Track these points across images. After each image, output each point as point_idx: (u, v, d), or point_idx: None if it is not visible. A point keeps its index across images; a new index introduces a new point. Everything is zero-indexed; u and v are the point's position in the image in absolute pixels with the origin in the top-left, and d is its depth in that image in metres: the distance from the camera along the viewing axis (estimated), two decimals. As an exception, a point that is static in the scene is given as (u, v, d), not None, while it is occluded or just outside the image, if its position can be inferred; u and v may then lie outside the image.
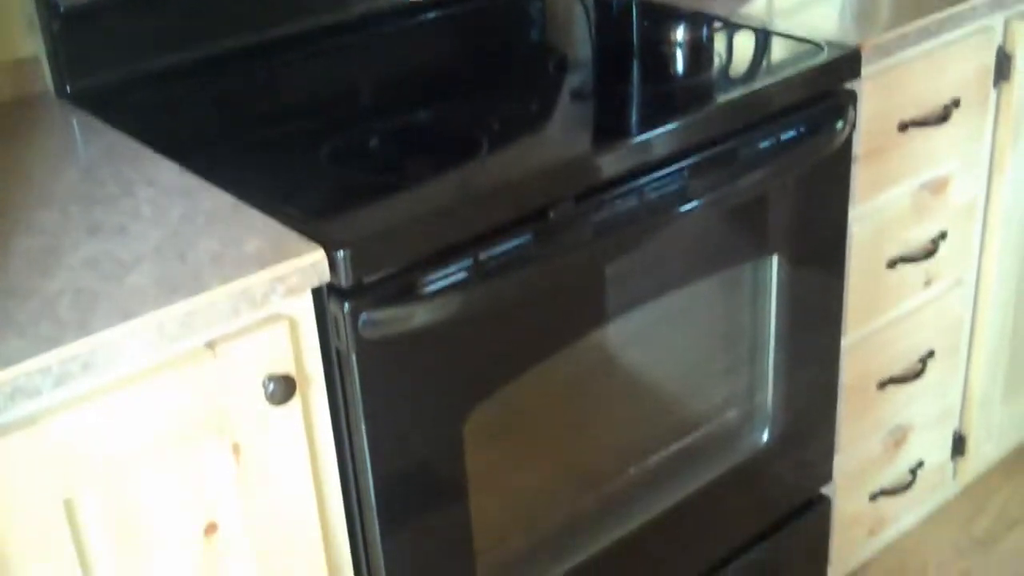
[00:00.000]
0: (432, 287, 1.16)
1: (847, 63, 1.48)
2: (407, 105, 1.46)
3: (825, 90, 1.47)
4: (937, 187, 1.72)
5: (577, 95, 1.47)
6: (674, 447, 1.60)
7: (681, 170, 1.35)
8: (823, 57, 1.47)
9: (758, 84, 1.43)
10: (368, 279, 1.11)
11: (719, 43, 1.59)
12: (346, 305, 1.11)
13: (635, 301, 1.40)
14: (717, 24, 1.63)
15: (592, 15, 1.76)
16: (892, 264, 1.69)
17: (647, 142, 1.32)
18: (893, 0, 1.66)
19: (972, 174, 1.78)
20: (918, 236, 1.72)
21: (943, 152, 1.70)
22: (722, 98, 1.38)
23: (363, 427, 1.16)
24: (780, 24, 1.59)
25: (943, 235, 1.75)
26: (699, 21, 1.63)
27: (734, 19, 1.63)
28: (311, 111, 1.47)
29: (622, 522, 1.53)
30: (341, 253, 1.08)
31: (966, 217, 1.80)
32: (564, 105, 1.45)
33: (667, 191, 1.34)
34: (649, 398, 1.58)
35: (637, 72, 1.55)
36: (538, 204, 1.22)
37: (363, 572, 1.25)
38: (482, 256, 1.18)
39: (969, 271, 1.86)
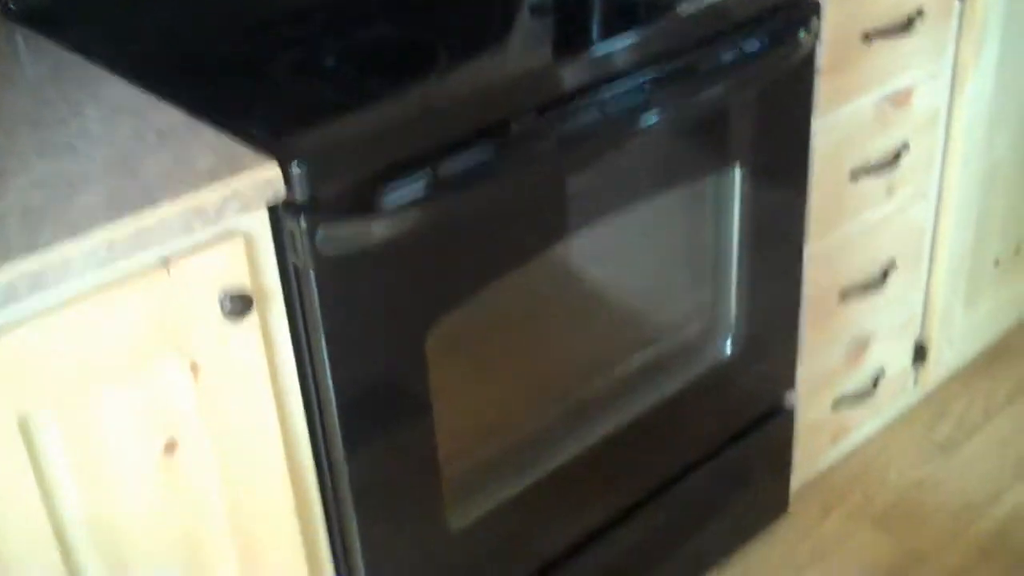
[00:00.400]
0: (391, 202, 1.12)
1: (808, -27, 1.43)
2: (364, 19, 1.41)
3: (788, 1, 1.43)
4: (900, 99, 1.68)
5: (536, 7, 1.41)
6: (638, 359, 1.58)
7: (643, 82, 1.30)
8: (783, -33, 1.42)
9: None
10: (324, 194, 1.07)
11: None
12: (302, 220, 1.07)
13: (598, 215, 1.37)
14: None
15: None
16: (854, 176, 1.66)
17: (608, 54, 1.27)
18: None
19: (935, 86, 1.74)
20: (880, 148, 1.69)
21: (906, 64, 1.66)
22: (683, 9, 1.33)
23: (323, 343, 1.13)
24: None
25: (905, 147, 1.71)
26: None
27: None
28: (266, 25, 1.40)
29: (587, 433, 1.52)
30: (296, 167, 1.04)
31: (928, 129, 1.76)
32: (523, 17, 1.40)
33: (629, 103, 1.29)
34: (613, 311, 1.56)
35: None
36: (499, 116, 1.18)
37: (327, 487, 1.23)
38: (442, 170, 1.14)
39: (931, 183, 1.84)
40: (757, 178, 1.51)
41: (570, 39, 1.34)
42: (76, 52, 1.28)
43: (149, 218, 0.98)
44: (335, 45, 1.35)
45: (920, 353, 2.00)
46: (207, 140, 1.10)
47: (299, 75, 1.25)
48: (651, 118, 1.32)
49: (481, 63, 1.28)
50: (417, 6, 1.44)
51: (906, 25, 1.60)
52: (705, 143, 1.44)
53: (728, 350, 1.63)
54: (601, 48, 1.27)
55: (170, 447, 1.08)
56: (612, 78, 1.27)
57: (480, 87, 1.19)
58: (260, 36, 1.35)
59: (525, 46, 1.33)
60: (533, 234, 1.30)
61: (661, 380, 1.59)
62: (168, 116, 1.15)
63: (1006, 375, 2.14)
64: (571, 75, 1.24)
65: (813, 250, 1.66)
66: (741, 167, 1.49)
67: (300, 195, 1.05)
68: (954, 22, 1.72)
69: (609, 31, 1.31)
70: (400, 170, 1.12)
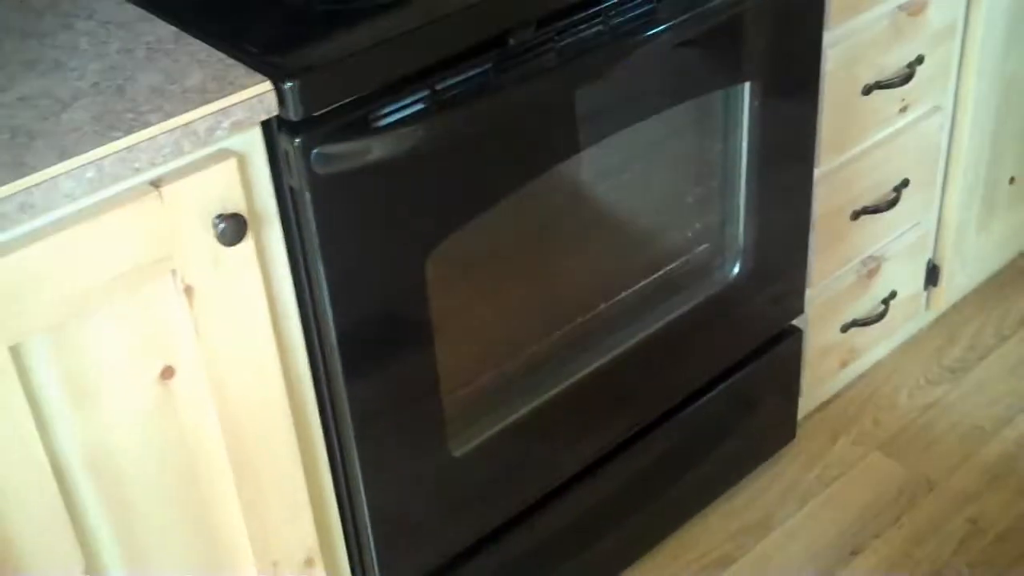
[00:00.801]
0: (387, 120, 1.11)
1: None
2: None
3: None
4: (915, 9, 1.66)
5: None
6: (645, 282, 1.59)
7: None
8: None
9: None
10: (319, 112, 1.07)
11: None
12: (297, 140, 1.06)
13: (603, 132, 1.36)
14: None
15: None
16: (867, 90, 1.65)
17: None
18: None
19: (950, -3, 1.72)
20: (894, 61, 1.67)
21: (922, -29, 1.64)
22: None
23: (321, 267, 1.13)
24: None
25: (920, 59, 1.70)
26: None
27: None
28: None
29: (592, 358, 1.52)
30: (289, 84, 1.03)
31: (944, 41, 1.75)
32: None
33: (633, 15, 1.28)
34: (619, 233, 1.56)
35: None
36: (497, 30, 1.16)
37: (327, 414, 1.24)
38: (439, 86, 1.13)
39: (946, 97, 1.82)
40: (766, 94, 1.50)
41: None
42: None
43: (138, 138, 0.98)
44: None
45: (932, 275, 2.00)
46: (199, 57, 1.09)
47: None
48: (656, 31, 1.30)
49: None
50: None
51: (922, -68, 1.58)
52: (712, 58, 1.42)
53: (736, 272, 1.63)
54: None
55: (166, 373, 1.09)
56: (615, -9, 1.26)
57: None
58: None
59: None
60: (536, 153, 1.29)
61: (667, 303, 1.59)
62: (159, 31, 1.14)
63: (1019, 298, 2.14)
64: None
65: (824, 169, 1.66)
66: (750, 82, 1.48)
67: (294, 114, 1.05)
68: (973, -70, 1.70)
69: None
70: (397, 87, 1.11)
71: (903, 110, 1.73)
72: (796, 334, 1.76)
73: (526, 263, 1.44)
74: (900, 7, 1.64)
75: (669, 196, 1.58)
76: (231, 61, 1.07)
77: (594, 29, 1.25)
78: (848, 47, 1.59)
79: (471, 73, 1.15)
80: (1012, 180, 2.06)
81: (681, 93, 1.42)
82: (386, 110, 1.11)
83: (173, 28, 1.14)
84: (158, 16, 1.16)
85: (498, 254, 1.40)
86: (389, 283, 1.20)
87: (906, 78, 1.68)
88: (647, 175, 1.52)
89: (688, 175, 1.59)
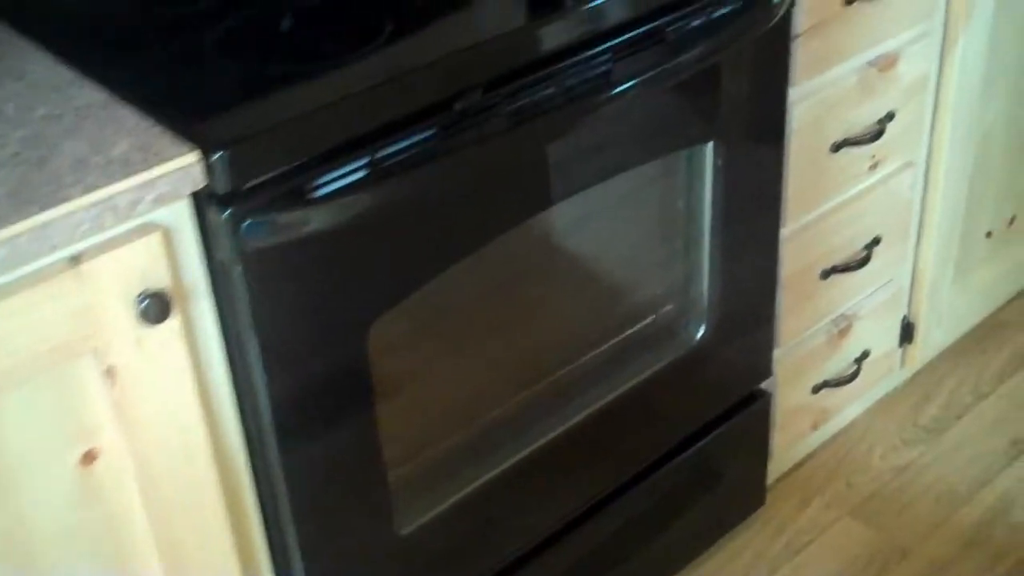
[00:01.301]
0: (325, 189, 1.08)
1: (785, -71, 1.39)
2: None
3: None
4: (886, 64, 1.64)
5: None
6: (606, 345, 1.56)
7: (602, 52, 1.26)
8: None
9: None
10: (251, 183, 1.04)
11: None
12: (226, 212, 1.03)
13: (557, 196, 1.33)
14: None
15: None
16: (836, 148, 1.63)
17: (564, 23, 1.23)
18: None
19: (923, 48, 1.70)
20: (864, 117, 1.65)
21: (892, 26, 1.62)
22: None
23: (254, 343, 1.10)
24: None
25: (890, 115, 1.68)
26: None
27: None
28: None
29: (551, 425, 1.49)
30: (217, 155, 1.00)
31: (916, 95, 1.73)
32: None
33: (587, 76, 1.26)
34: (579, 295, 1.53)
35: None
36: (441, 95, 1.14)
37: (263, 495, 1.20)
38: (380, 154, 1.10)
39: (919, 152, 1.80)
40: (730, 153, 1.48)
41: (523, 5, 1.30)
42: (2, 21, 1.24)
43: (56, 214, 0.94)
44: (270, 14, 1.30)
45: (907, 332, 1.98)
46: (127, 124, 1.06)
47: (230, 51, 1.20)
48: (612, 92, 1.28)
49: (425, 34, 1.23)
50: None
51: (889, -14, 1.56)
52: (672, 118, 1.40)
53: (701, 334, 1.60)
54: (556, 17, 1.23)
55: (88, 457, 1.05)
56: (568, 50, 1.23)
57: (421, 62, 1.14)
58: (192, 3, 1.30)
59: (475, 14, 1.29)
60: (486, 219, 1.26)
61: (629, 367, 1.56)
62: (90, 95, 1.11)
63: (997, 353, 2.12)
64: (523, 47, 1.21)
65: (791, 228, 1.64)
66: (713, 141, 1.46)
67: (222, 185, 1.02)
68: (945, -22, 1.69)
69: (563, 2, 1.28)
70: (335, 155, 1.08)
71: (873, 167, 1.71)
72: (764, 397, 1.73)
73: (478, 328, 1.41)
74: (870, 63, 1.62)
75: (630, 256, 1.55)
76: (159, 128, 1.04)
77: (546, 91, 1.22)
78: (815, 104, 1.57)
79: (415, 139, 1.12)
80: (989, 234, 2.05)
81: (640, 155, 1.40)
82: (323, 179, 1.08)
83: (104, 92, 1.11)
84: (90, 78, 1.13)
85: (448, 320, 1.37)
86: (328, 356, 1.17)
87: (876, 135, 1.66)
88: (607, 235, 1.49)
89: (650, 235, 1.56)
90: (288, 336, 1.13)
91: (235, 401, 1.14)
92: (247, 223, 1.04)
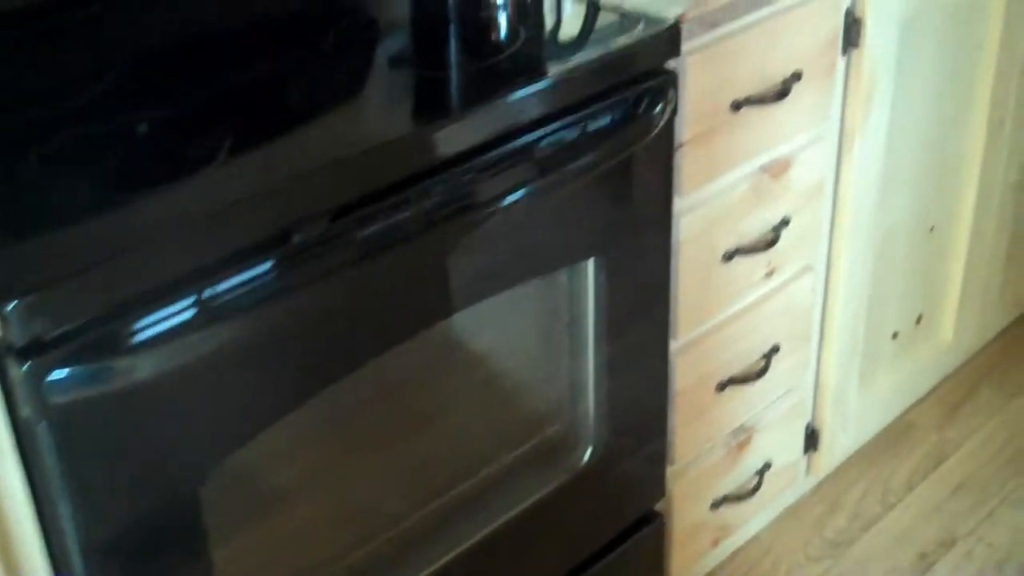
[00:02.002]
0: (144, 335, 0.99)
1: (664, 41, 1.33)
2: (147, 88, 1.27)
3: (640, 72, 1.32)
4: (778, 169, 1.59)
5: (335, 83, 1.29)
6: (489, 468, 1.47)
7: (466, 171, 1.19)
8: (636, 34, 1.32)
9: (558, 70, 1.27)
10: (54, 332, 0.94)
11: (510, 15, 1.43)
12: (25, 366, 0.93)
13: (422, 324, 1.25)
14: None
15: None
16: (728, 257, 1.57)
17: (422, 139, 1.16)
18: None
19: (818, 151, 1.65)
20: (758, 224, 1.59)
21: (785, 130, 1.57)
22: (510, 90, 1.22)
23: (66, 508, 1.00)
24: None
25: (785, 222, 1.63)
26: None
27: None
28: (37, 97, 1.26)
29: (426, 560, 1.40)
30: (11, 306, 0.91)
31: (812, 199, 1.68)
32: (323, 97, 1.27)
33: (449, 197, 1.18)
34: (458, 418, 1.44)
35: (413, 53, 1.39)
36: (276, 228, 1.05)
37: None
38: (207, 293, 1.01)
39: (818, 256, 1.75)
40: (613, 268, 1.41)
41: (379, 121, 1.22)
42: None
43: None
44: (108, 125, 1.21)
45: (811, 440, 1.92)
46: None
47: (49, 171, 1.10)
48: (477, 213, 1.21)
49: (269, 153, 1.14)
50: (215, 73, 1.31)
51: (781, 93, 1.51)
52: (547, 236, 1.33)
53: (588, 455, 1.52)
54: (413, 134, 1.16)
55: None
56: (429, 169, 1.16)
57: (256, 189, 1.05)
58: (24, 112, 1.19)
59: (327, 132, 1.20)
60: (337, 356, 1.17)
61: (515, 491, 1.48)
62: None
63: (907, 457, 2.07)
64: (377, 168, 1.13)
65: (682, 341, 1.57)
66: (595, 257, 1.39)
67: (19, 337, 0.92)
68: (839, 79, 1.64)
69: (421, 116, 1.20)
70: (154, 295, 0.99)
71: (769, 274, 1.65)
72: (658, 520, 1.65)
73: (337, 464, 1.32)
74: (762, 168, 1.57)
75: (512, 376, 1.47)
76: (-50, 270, 0.94)
77: (403, 215, 1.14)
78: (704, 214, 1.51)
79: (247, 276, 1.03)
80: (895, 335, 2.00)
81: (512, 277, 1.32)
82: (143, 324, 0.98)
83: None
84: None
85: (300, 458, 1.28)
86: (153, 515, 1.07)
87: (771, 242, 1.61)
88: (486, 354, 1.41)
89: (532, 352, 1.48)
90: (106, 498, 1.02)
91: (50, 565, 1.04)
92: (50, 377, 0.94)
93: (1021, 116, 2.03)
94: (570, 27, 1.40)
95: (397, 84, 1.32)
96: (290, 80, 1.30)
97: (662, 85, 1.34)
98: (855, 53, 1.63)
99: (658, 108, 1.33)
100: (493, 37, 1.41)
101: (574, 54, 1.32)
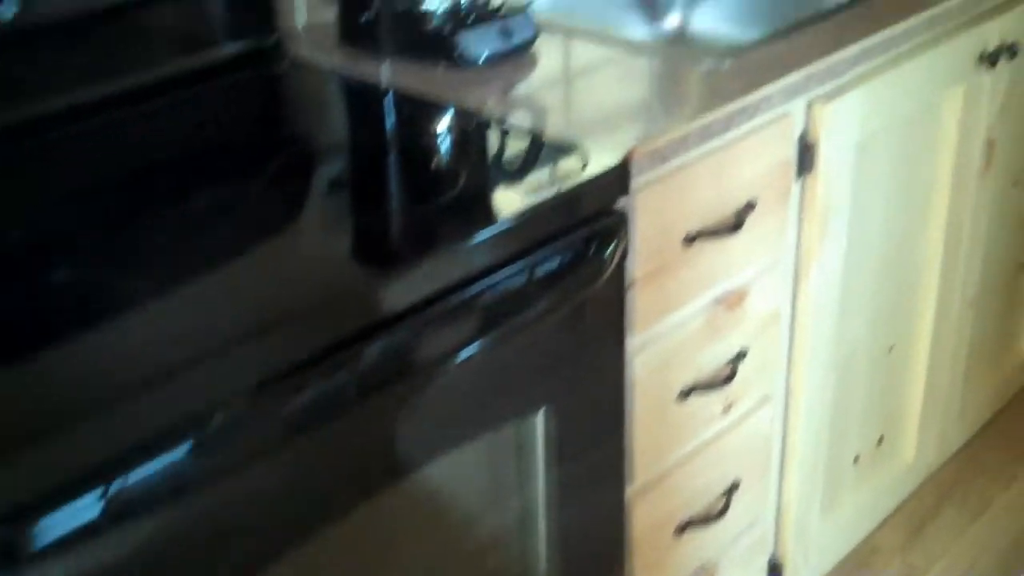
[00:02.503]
0: (43, 540, 0.89)
1: (613, 180, 1.26)
2: (61, 239, 1.19)
3: (589, 213, 1.26)
4: (733, 300, 1.53)
5: (261, 229, 1.21)
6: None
7: (404, 328, 1.11)
8: (584, 173, 1.25)
9: (505, 214, 1.20)
10: (-62, 545, 0.84)
11: (452, 147, 1.37)
12: (-95, 587, 0.83)
13: (360, 498, 1.16)
14: (465, 123, 1.42)
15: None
16: (684, 395, 1.49)
17: (354, 300, 1.08)
18: (675, 90, 1.46)
19: (774, 279, 1.59)
20: (713, 360, 1.53)
21: (738, 261, 1.51)
22: (454, 239, 1.15)
23: None
24: (531, 122, 1.38)
25: (743, 354, 1.56)
26: (425, 119, 1.43)
27: (477, 116, 1.41)
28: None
29: None
30: None
31: (769, 328, 1.62)
32: (246, 246, 1.19)
33: (387, 359, 1.10)
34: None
35: (349, 192, 1.32)
36: (194, 407, 0.96)
37: None
38: (114, 489, 0.91)
39: (776, 386, 1.69)
40: (564, 415, 1.33)
41: (308, 280, 1.14)
42: None
43: None
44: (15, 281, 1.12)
45: (774, 573, 1.84)
46: None
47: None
48: (420, 377, 1.13)
49: (179, 319, 1.05)
50: (132, 219, 1.22)
51: (735, 225, 1.45)
52: (496, 390, 1.24)
53: (541, 612, 1.43)
54: (345, 294, 1.08)
55: None
56: (363, 331, 1.08)
57: (166, 366, 0.95)
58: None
59: (241, 293, 1.11)
60: (267, 542, 1.07)
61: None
62: None
63: (870, 586, 2.00)
64: (302, 334, 1.04)
65: (638, 484, 1.48)
66: (545, 407, 1.31)
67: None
68: (793, 206, 1.59)
69: (356, 271, 1.12)
70: (57, 492, 0.89)
71: (727, 409, 1.58)
72: (615, 675, 1.56)
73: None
74: (716, 300, 1.50)
75: (454, 540, 1.37)
76: None
77: (336, 383, 1.06)
78: (658, 352, 1.44)
79: (160, 465, 0.94)
80: (857, 458, 1.94)
81: (457, 437, 1.23)
82: (38, 526, 0.88)
83: None
84: None
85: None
86: None
87: (728, 377, 1.54)
88: (423, 522, 1.31)
89: (479, 507, 1.39)
90: None
91: None
92: (-64, 597, 0.84)
93: (977, 231, 2.00)
94: (512, 161, 1.34)
95: (329, 230, 1.24)
96: (212, 225, 1.22)
97: (612, 226, 1.27)
98: (809, 178, 1.58)
99: (609, 251, 1.26)
100: (434, 171, 1.34)
101: (519, 195, 1.25)
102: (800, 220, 1.61)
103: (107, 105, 1.45)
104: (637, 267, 1.36)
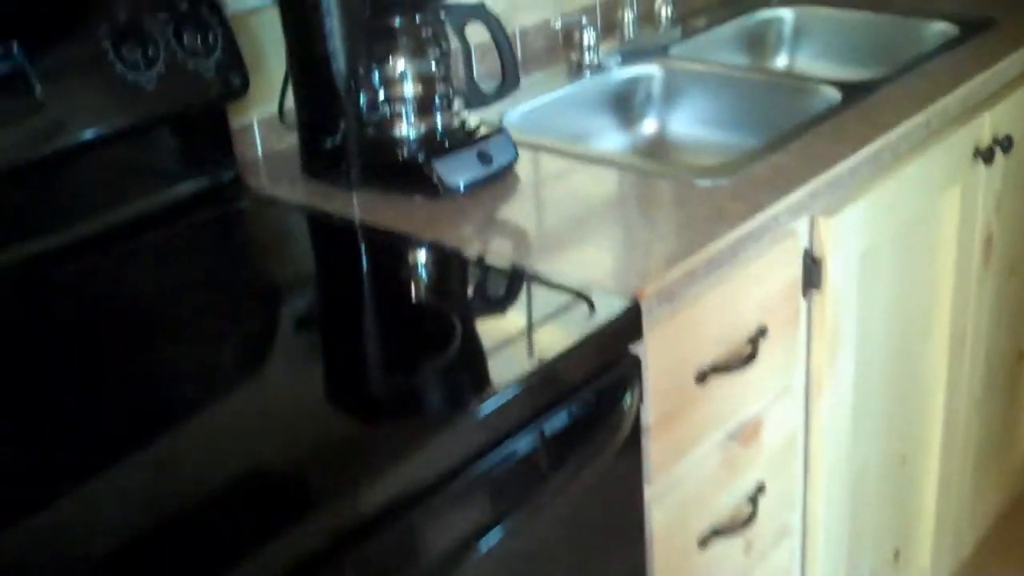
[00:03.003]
0: None
1: (625, 325, 1.16)
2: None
3: (601, 364, 1.15)
4: (748, 434, 1.43)
5: (219, 400, 1.10)
6: None
7: (403, 530, 0.99)
8: (594, 321, 1.15)
9: (507, 377, 1.08)
10: None
11: (441, 300, 1.26)
12: None
13: None
14: (451, 263, 1.32)
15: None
16: (704, 542, 1.38)
17: (336, 504, 0.95)
18: (674, 214, 1.37)
19: (787, 406, 1.50)
20: (731, 499, 1.42)
21: (752, 390, 1.41)
22: (450, 413, 1.04)
23: None
24: (523, 261, 1.28)
25: (761, 488, 1.46)
26: (420, 259, 1.33)
27: (463, 255, 1.31)
28: None
29: None
30: None
31: (785, 457, 1.52)
32: (199, 426, 1.07)
33: (392, 559, 0.98)
34: None
35: (321, 354, 1.20)
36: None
37: None
38: None
39: (794, 516, 1.58)
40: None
41: (279, 471, 1.02)
42: None
43: None
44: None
45: None
46: None
47: None
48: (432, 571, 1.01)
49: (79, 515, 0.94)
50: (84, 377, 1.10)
51: (749, 356, 1.35)
52: (509, 566, 1.13)
53: None
54: (328, 493, 0.96)
55: None
56: (354, 533, 0.96)
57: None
58: None
59: (195, 495, 0.99)
60: None
61: None
62: None
63: None
64: (284, 548, 0.92)
65: (660, 643, 1.37)
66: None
67: None
68: (802, 326, 1.50)
69: (332, 468, 1.00)
70: None
71: (748, 549, 1.47)
72: None
73: None
74: (731, 436, 1.40)
75: None
76: None
77: (339, 587, 0.94)
78: (675, 500, 1.33)
79: None
80: (873, 577, 1.83)
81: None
82: None
83: None
84: None
85: None
86: None
87: (748, 518, 1.43)
88: None
89: None
90: None
91: None
92: None
93: (979, 326, 1.92)
94: (509, 308, 1.24)
95: (295, 403, 1.10)
96: (167, 395, 1.10)
97: (627, 374, 1.17)
98: (816, 295, 1.49)
99: (627, 402, 1.16)
100: (422, 324, 1.23)
101: (524, 350, 1.14)
102: (809, 338, 1.52)
103: (60, 256, 1.35)
104: (649, 413, 1.25)
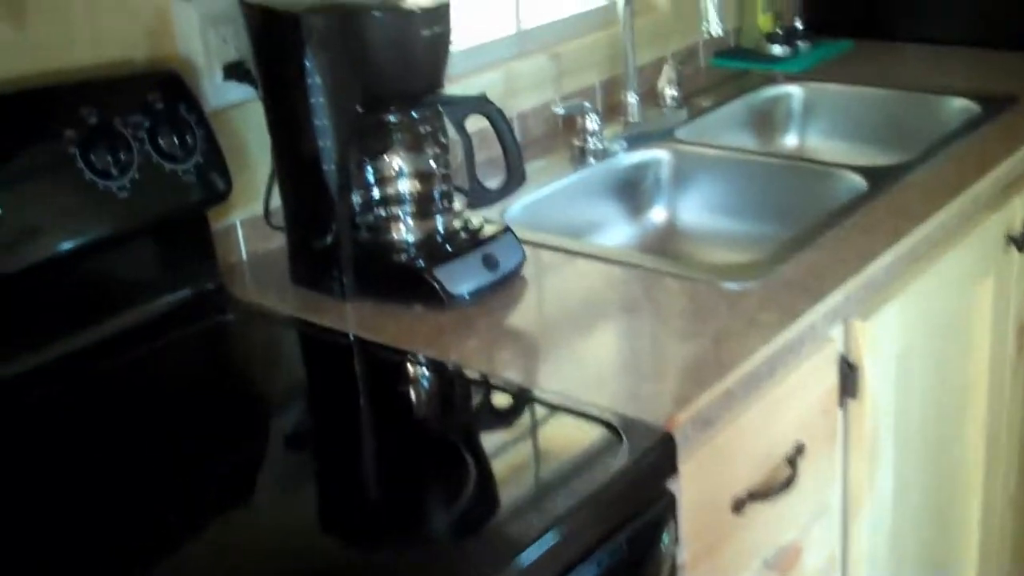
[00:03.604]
0: None
1: (658, 459, 1.04)
2: None
3: (636, 503, 1.03)
4: (788, 561, 1.31)
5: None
6: None
7: None
8: (624, 455, 1.03)
9: (535, 527, 0.96)
10: None
11: (452, 431, 1.14)
12: None
13: None
14: (455, 386, 1.20)
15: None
16: None
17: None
18: (702, 326, 1.25)
19: (825, 526, 1.38)
20: (771, 635, 1.30)
21: (790, 515, 1.29)
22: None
23: None
24: (538, 383, 1.16)
25: (800, 621, 1.34)
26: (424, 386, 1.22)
27: (471, 376, 1.19)
28: None
29: None
30: None
31: (824, 579, 1.40)
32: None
33: None
34: None
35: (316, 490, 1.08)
36: None
37: None
38: None
39: (834, 642, 1.46)
40: None
41: None
42: None
43: None
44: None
45: None
46: None
47: None
48: None
49: None
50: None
51: (789, 479, 1.24)
52: None
53: None
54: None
55: None
56: None
57: None
58: None
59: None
60: None
61: None
62: None
63: None
64: None
65: None
66: None
67: None
68: (839, 437, 1.38)
69: None
70: None
71: None
72: None
73: None
74: (768, 565, 1.28)
75: None
76: None
77: None
78: (713, 645, 1.20)
79: None
80: None
81: None
82: None
83: None
84: None
85: None
86: None
87: (788, 655, 1.31)
88: None
89: None
90: None
91: None
92: None
93: (1013, 420, 1.81)
94: (528, 440, 1.11)
95: (285, 540, 0.99)
96: (148, 525, 0.98)
97: (662, 513, 1.05)
98: (853, 404, 1.38)
99: (662, 545, 1.04)
100: (432, 460, 1.10)
101: (552, 493, 1.01)
102: (846, 451, 1.40)
103: (29, 380, 1.24)
104: (684, 551, 1.13)
